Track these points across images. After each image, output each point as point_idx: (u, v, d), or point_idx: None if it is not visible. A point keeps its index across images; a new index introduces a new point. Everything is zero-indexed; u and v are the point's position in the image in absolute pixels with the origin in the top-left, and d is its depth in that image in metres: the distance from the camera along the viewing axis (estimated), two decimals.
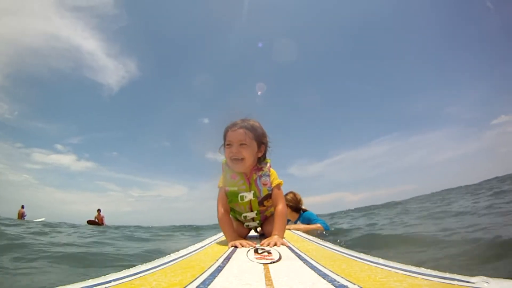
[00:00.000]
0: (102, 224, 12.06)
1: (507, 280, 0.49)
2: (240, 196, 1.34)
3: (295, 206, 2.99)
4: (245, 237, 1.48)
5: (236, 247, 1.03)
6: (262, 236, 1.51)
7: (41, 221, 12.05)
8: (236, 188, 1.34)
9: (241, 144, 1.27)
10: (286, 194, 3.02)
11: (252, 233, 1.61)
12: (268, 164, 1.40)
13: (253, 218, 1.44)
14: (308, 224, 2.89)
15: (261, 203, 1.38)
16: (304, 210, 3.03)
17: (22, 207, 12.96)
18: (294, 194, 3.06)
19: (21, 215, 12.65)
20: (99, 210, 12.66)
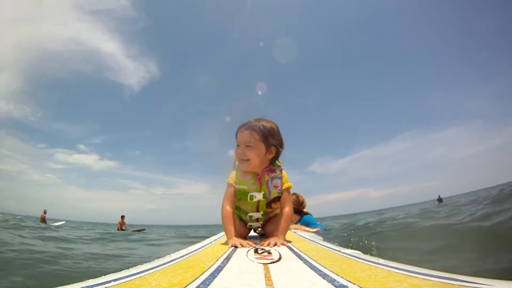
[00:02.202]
0: (127, 228, 12.76)
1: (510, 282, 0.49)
2: (250, 196, 1.34)
3: (297, 208, 3.00)
4: (245, 237, 1.48)
5: (236, 247, 1.03)
6: (262, 236, 1.51)
7: (61, 224, 12.65)
8: (246, 187, 1.34)
9: (247, 146, 1.28)
10: None
11: (252, 233, 1.62)
12: (281, 167, 1.40)
13: (257, 219, 1.44)
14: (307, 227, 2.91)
15: (269, 204, 1.38)
16: (306, 213, 3.04)
17: (45, 212, 13.81)
18: (297, 196, 3.07)
19: (43, 219, 13.57)
20: (122, 217, 13.29)
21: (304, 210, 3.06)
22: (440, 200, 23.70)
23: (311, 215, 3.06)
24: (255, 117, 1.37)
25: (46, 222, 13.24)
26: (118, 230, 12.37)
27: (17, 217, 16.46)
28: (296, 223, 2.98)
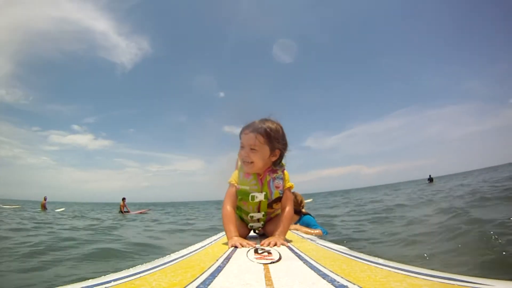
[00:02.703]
0: (128, 211, 12.99)
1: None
2: (251, 196, 1.33)
3: (296, 209, 2.98)
4: (246, 237, 1.48)
5: (236, 247, 1.03)
6: (263, 236, 1.51)
7: (60, 211, 13.05)
8: (247, 187, 1.34)
9: (251, 149, 1.27)
10: None
11: (252, 233, 1.61)
12: (283, 167, 1.39)
13: (258, 219, 1.44)
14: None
15: (270, 205, 1.38)
16: (305, 213, 3.02)
17: (45, 199, 14.12)
18: (296, 196, 3.05)
19: (43, 206, 13.85)
20: (123, 199, 13.37)
21: (303, 210, 3.05)
22: (430, 179, 23.90)
23: (310, 215, 3.05)
24: (258, 117, 1.35)
25: (46, 209, 13.58)
26: (120, 212, 12.65)
27: (13, 207, 16.50)
28: (295, 224, 2.97)
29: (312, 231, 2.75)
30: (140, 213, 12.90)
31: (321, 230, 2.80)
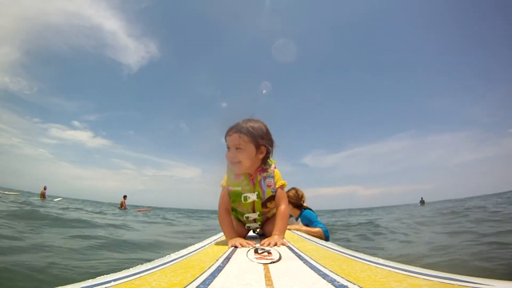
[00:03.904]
0: (126, 208, 13.97)
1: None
2: (244, 197, 1.34)
3: (296, 203, 2.97)
4: (244, 237, 1.48)
5: (236, 247, 1.03)
6: (262, 236, 1.51)
7: (58, 201, 13.59)
8: (239, 188, 1.34)
9: (237, 148, 1.29)
10: (288, 191, 2.99)
11: (251, 233, 1.61)
12: (273, 166, 1.40)
13: (255, 220, 1.44)
14: (307, 225, 2.88)
15: (264, 204, 1.38)
16: (306, 208, 3.00)
17: (44, 188, 14.37)
18: (296, 191, 3.04)
19: (43, 195, 14.19)
20: (125, 197, 14.24)
21: (304, 204, 3.03)
22: (422, 202, 24.73)
23: (311, 209, 3.02)
24: (242, 117, 1.37)
25: (45, 198, 14.02)
26: (119, 208, 13.58)
27: (14, 193, 16.96)
28: (297, 219, 2.96)
29: (313, 230, 2.74)
30: (144, 210, 13.51)
31: (321, 228, 2.78)
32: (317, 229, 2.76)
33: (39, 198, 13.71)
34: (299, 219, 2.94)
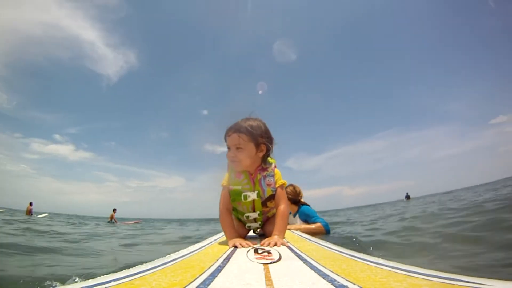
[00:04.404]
0: (115, 221, 13.80)
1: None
2: (244, 196, 1.34)
3: (294, 199, 2.98)
4: (245, 237, 1.48)
5: (236, 247, 1.03)
6: (262, 236, 1.51)
7: (44, 216, 13.32)
8: (240, 187, 1.35)
9: (237, 148, 1.30)
10: (286, 187, 3.01)
11: (251, 233, 1.61)
12: (273, 165, 1.40)
13: (255, 219, 1.44)
14: (306, 220, 2.87)
15: (264, 203, 1.38)
16: (303, 204, 3.00)
17: (30, 204, 14.02)
18: (294, 187, 3.05)
19: (29, 212, 13.76)
20: (114, 210, 14.12)
21: (302, 200, 3.04)
22: (408, 197, 25.10)
23: (309, 205, 3.02)
24: (240, 116, 1.38)
25: (32, 215, 13.61)
26: (109, 221, 13.36)
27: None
28: (295, 215, 2.95)
29: (313, 226, 2.73)
30: (132, 223, 13.44)
31: (321, 223, 2.76)
32: (316, 225, 2.75)
33: (25, 215, 13.18)
34: (297, 215, 2.94)
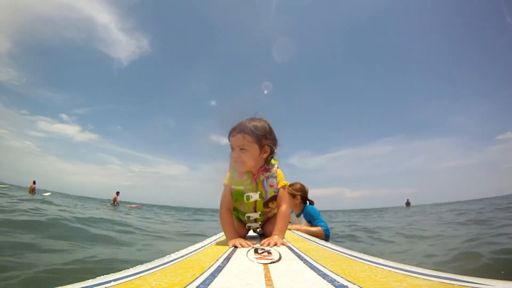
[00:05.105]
0: (118, 204, 14.58)
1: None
2: (246, 196, 1.33)
3: (304, 197, 2.95)
4: (244, 237, 1.48)
5: (236, 247, 1.03)
6: (262, 236, 1.51)
7: (48, 195, 13.54)
8: (242, 188, 1.34)
9: (241, 149, 1.28)
10: (294, 184, 2.98)
11: (251, 233, 1.61)
12: (276, 166, 1.39)
13: (256, 219, 1.44)
14: (310, 221, 2.86)
15: (266, 204, 1.38)
16: (310, 203, 2.99)
17: (34, 182, 14.19)
18: (303, 185, 3.02)
19: (33, 190, 13.98)
20: (117, 193, 14.71)
21: (309, 198, 3.03)
22: (408, 204, 25.31)
23: (314, 207, 3.00)
24: (245, 116, 1.37)
25: (35, 193, 13.87)
26: (112, 203, 14.01)
27: (2, 186, 17.10)
28: (299, 215, 2.93)
29: (313, 229, 2.72)
30: (135, 206, 13.90)
31: (322, 226, 2.75)
32: (317, 228, 2.74)
33: (28, 193, 13.53)
34: (302, 215, 2.92)
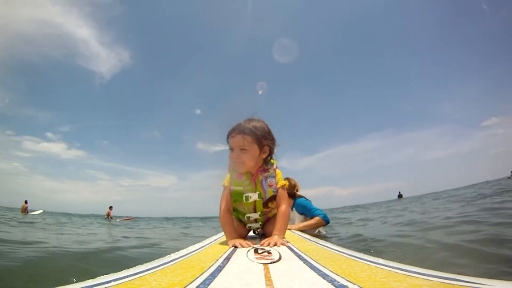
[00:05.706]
0: (112, 218, 14.59)
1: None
2: (245, 196, 1.34)
3: (290, 192, 2.93)
4: (245, 237, 1.48)
5: (236, 247, 1.03)
6: (262, 236, 1.51)
7: (39, 214, 13.42)
8: (241, 188, 1.34)
9: (241, 149, 1.29)
10: None
11: (251, 233, 1.61)
12: (274, 166, 1.40)
13: (256, 220, 1.44)
14: (304, 213, 2.85)
15: (265, 204, 1.38)
16: (299, 196, 2.98)
17: (26, 202, 13.97)
18: (289, 180, 3.01)
19: (25, 210, 13.74)
20: (111, 207, 14.71)
21: (298, 193, 3.01)
22: (400, 196, 25.33)
23: (305, 198, 2.99)
24: (242, 117, 1.37)
25: (28, 213, 13.65)
26: (105, 218, 13.96)
27: None
28: (292, 208, 2.93)
29: (312, 222, 2.70)
30: (126, 219, 13.92)
31: (319, 215, 2.71)
32: (315, 219, 2.71)
33: (21, 213, 13.25)
34: (294, 209, 2.92)
